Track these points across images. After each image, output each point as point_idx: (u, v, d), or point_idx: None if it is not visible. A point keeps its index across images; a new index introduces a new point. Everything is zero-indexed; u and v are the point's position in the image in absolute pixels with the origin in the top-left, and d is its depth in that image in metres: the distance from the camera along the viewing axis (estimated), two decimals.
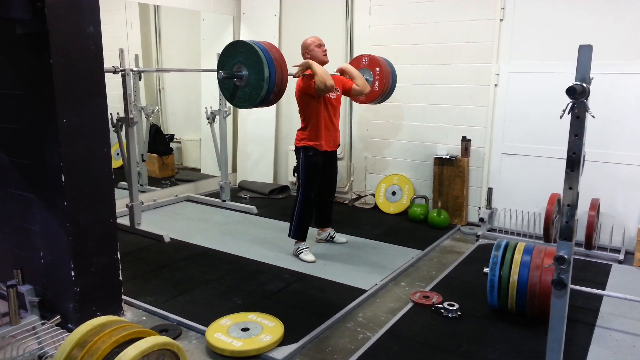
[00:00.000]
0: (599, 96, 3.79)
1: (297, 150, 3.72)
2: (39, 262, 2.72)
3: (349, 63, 4.13)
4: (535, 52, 4.18)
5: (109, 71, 3.73)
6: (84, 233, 2.60)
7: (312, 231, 4.01)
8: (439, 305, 2.96)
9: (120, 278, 2.85)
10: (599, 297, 3.09)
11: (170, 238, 4.14)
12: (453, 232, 4.47)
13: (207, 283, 3.31)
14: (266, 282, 3.34)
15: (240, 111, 5.99)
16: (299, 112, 3.70)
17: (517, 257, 2.79)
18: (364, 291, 3.20)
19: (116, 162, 5.37)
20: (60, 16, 2.38)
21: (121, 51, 4.05)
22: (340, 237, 4.14)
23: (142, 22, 6.05)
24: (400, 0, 4.77)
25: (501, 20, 4.29)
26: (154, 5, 5.95)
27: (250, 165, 6.04)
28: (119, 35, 5.73)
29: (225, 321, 2.72)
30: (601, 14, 3.86)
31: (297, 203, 3.72)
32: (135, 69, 4.53)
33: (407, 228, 4.56)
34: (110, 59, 3.61)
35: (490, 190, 4.42)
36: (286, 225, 3.87)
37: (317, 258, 3.72)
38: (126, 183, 4.27)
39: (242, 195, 5.57)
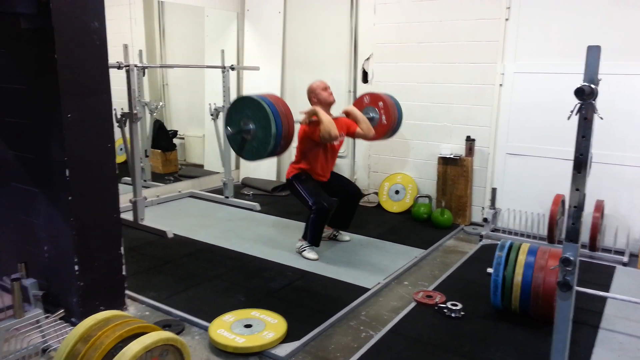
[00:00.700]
0: (604, 97, 3.75)
1: (290, 182, 3.73)
2: (43, 256, 2.72)
3: (355, 102, 4.12)
4: (541, 51, 4.17)
5: (113, 67, 3.74)
6: (88, 228, 2.60)
7: None
8: (442, 305, 2.96)
9: (124, 273, 2.85)
10: (603, 299, 3.08)
11: (174, 234, 4.15)
12: (456, 232, 4.46)
13: (210, 279, 3.31)
14: (269, 279, 3.34)
15: None
16: (297, 148, 3.71)
17: (522, 258, 2.78)
18: (367, 290, 3.20)
19: (120, 158, 5.35)
20: (65, 11, 2.38)
21: (125, 47, 4.05)
22: (343, 236, 4.14)
23: (146, 18, 6.05)
24: None
25: (507, 19, 4.28)
26: (158, 1, 5.96)
27: (253, 163, 6.04)
28: (123, 31, 5.73)
29: (228, 317, 2.72)
30: (607, 14, 3.84)
31: (312, 215, 3.61)
32: (139, 64, 4.53)
33: (411, 227, 4.55)
34: (114, 55, 3.60)
35: (494, 191, 4.41)
36: (289, 222, 3.87)
37: (320, 256, 3.71)
38: (130, 178, 4.27)
39: (246, 192, 5.57)
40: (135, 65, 4.10)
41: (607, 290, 3.24)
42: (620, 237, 3.95)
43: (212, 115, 5.06)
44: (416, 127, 4.89)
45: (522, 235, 4.25)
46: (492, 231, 4.34)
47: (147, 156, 5.60)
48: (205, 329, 2.66)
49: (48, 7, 2.32)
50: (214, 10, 5.87)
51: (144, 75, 5.40)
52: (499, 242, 2.96)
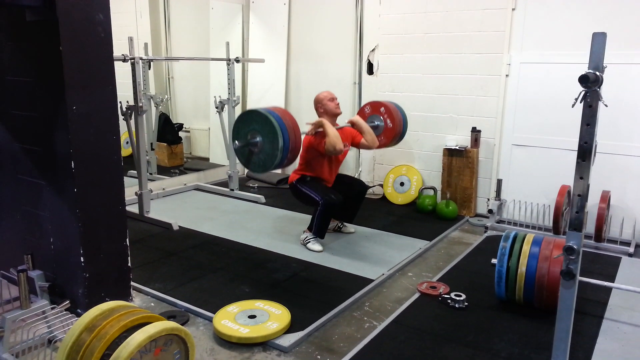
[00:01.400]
0: (611, 87, 3.73)
1: (294, 186, 3.73)
2: (49, 247, 2.75)
3: (358, 114, 4.09)
4: (547, 41, 4.13)
5: (118, 59, 3.74)
6: (94, 219, 2.62)
7: None
8: (445, 296, 2.96)
9: (129, 264, 2.87)
10: (608, 290, 3.07)
11: (179, 226, 4.17)
12: (461, 224, 4.45)
13: (215, 271, 3.33)
14: (274, 270, 3.35)
15: (249, 100, 5.99)
16: (301, 156, 3.66)
17: (526, 248, 2.78)
18: (371, 281, 3.20)
19: (126, 151, 5.41)
20: (70, 3, 2.38)
21: (130, 39, 4.06)
22: (348, 227, 4.14)
23: (152, 10, 6.06)
24: None
25: (513, 9, 4.24)
26: None
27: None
28: (128, 24, 5.75)
29: (233, 308, 2.74)
30: (614, 2, 3.79)
31: (319, 208, 3.61)
32: (144, 57, 4.54)
33: (415, 219, 4.55)
34: (119, 48, 3.61)
35: (499, 182, 4.39)
36: (294, 214, 3.87)
37: (324, 247, 3.72)
38: (135, 171, 4.29)
39: (250, 185, 5.58)
40: (141, 58, 4.11)
41: (612, 281, 3.22)
42: (627, 227, 3.93)
43: (217, 108, 5.07)
44: (421, 119, 4.87)
45: (527, 226, 4.23)
46: (498, 222, 4.33)
47: (152, 149, 5.62)
48: (210, 319, 2.68)
49: None
50: (219, 3, 5.86)
51: (149, 68, 5.42)
52: (503, 233, 2.95)
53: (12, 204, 2.94)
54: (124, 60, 3.94)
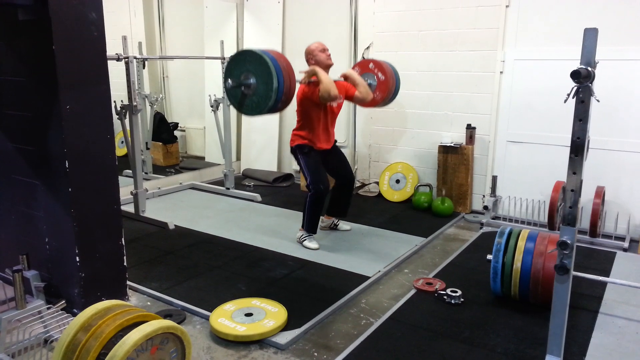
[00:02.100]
0: (606, 83, 3.75)
1: (293, 151, 3.74)
2: (44, 247, 2.74)
3: (353, 67, 4.10)
4: (541, 38, 4.14)
5: (112, 58, 3.73)
6: (89, 219, 2.61)
7: None
8: (441, 292, 2.97)
9: (125, 264, 2.87)
10: (603, 284, 3.09)
11: (175, 225, 4.16)
12: (457, 220, 4.46)
13: (211, 269, 3.33)
14: (270, 268, 3.35)
15: None
16: (297, 113, 3.70)
17: (521, 244, 2.79)
18: (367, 278, 3.21)
19: (120, 150, 5.39)
20: (62, 2, 2.37)
21: (124, 38, 4.04)
22: (344, 225, 4.15)
23: (146, 9, 6.04)
24: None
25: (507, 6, 4.25)
26: None
27: (254, 153, 6.05)
28: (122, 23, 5.73)
29: (229, 306, 2.74)
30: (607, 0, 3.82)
31: (309, 198, 3.68)
32: (138, 56, 4.53)
33: (411, 216, 4.56)
34: (113, 47, 3.60)
35: (494, 178, 4.40)
36: (290, 212, 3.88)
37: (320, 245, 3.72)
38: (131, 171, 4.28)
39: (246, 183, 5.58)
40: (135, 57, 4.09)
41: (607, 276, 3.24)
42: (621, 223, 3.95)
43: (212, 106, 5.06)
44: (417, 116, 4.87)
45: (522, 222, 4.25)
46: (493, 219, 4.35)
47: (148, 148, 5.61)
48: (207, 318, 2.68)
49: None
50: (213, 1, 5.85)
51: (144, 67, 5.40)
52: (498, 229, 2.96)
53: (7, 205, 2.93)
54: (118, 60, 3.93)
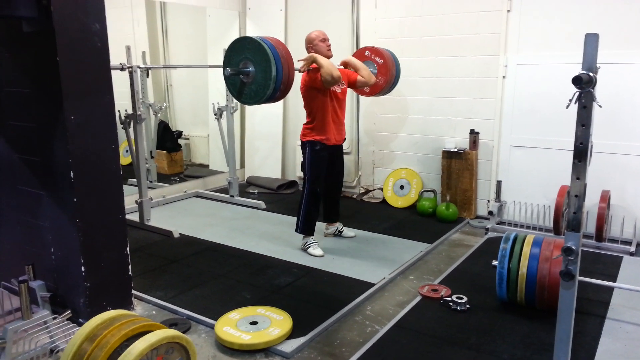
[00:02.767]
0: (609, 87, 3.74)
1: (303, 145, 3.72)
2: (49, 257, 2.75)
3: (355, 54, 4.12)
4: (543, 42, 4.14)
5: (116, 68, 3.76)
6: (94, 229, 2.62)
7: (321, 225, 4.02)
8: (447, 299, 2.96)
9: (130, 273, 2.87)
10: (610, 290, 3.07)
11: (180, 233, 4.17)
12: (462, 226, 4.45)
13: (216, 278, 3.33)
14: (275, 276, 3.35)
15: (248, 107, 6.00)
16: (305, 107, 3.70)
17: (526, 249, 2.78)
18: (372, 285, 3.20)
19: (125, 159, 5.41)
20: (66, 14, 2.39)
21: (128, 48, 4.07)
22: (348, 232, 4.14)
23: (149, 19, 6.07)
24: None
25: (508, 11, 4.25)
26: (160, 2, 5.98)
27: (258, 161, 6.06)
28: (126, 33, 5.76)
29: (234, 315, 2.74)
30: (610, 3, 3.81)
31: (304, 198, 3.73)
32: (142, 66, 4.56)
33: (416, 222, 4.55)
34: (117, 56, 3.63)
35: (499, 183, 4.39)
36: (294, 220, 3.87)
37: (325, 252, 3.72)
38: (135, 180, 4.30)
39: (250, 191, 5.58)
40: (139, 67, 4.12)
41: (614, 281, 3.21)
42: (627, 227, 3.92)
43: (215, 115, 5.08)
44: (420, 122, 4.88)
45: (528, 227, 4.23)
46: (498, 224, 4.33)
47: (152, 157, 5.63)
48: (212, 326, 2.68)
49: (49, 10, 2.34)
50: (215, 10, 5.88)
51: (147, 76, 5.43)
52: (504, 235, 2.95)
53: (12, 215, 2.95)
54: (122, 69, 3.95)
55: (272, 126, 5.88)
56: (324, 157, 3.68)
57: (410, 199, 4.93)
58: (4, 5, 2.33)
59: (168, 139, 6.06)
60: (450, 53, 4.60)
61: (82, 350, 1.91)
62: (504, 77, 4.36)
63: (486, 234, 4.22)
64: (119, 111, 3.62)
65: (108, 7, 2.59)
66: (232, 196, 5.21)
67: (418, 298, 3.03)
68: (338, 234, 4.11)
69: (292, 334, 2.59)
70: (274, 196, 5.44)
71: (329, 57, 3.60)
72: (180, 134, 6.35)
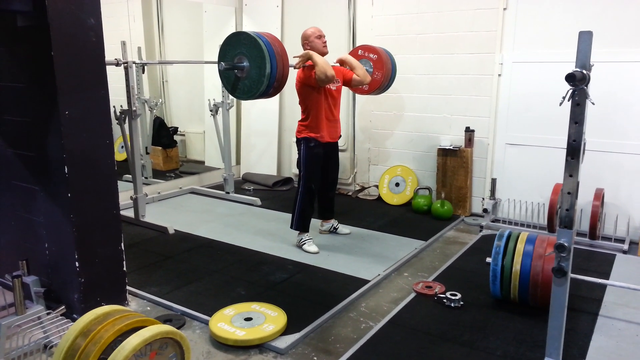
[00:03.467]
0: (604, 85, 3.76)
1: (299, 141, 3.72)
2: (43, 253, 2.75)
3: (349, 54, 4.12)
4: (539, 41, 4.15)
5: (111, 64, 3.74)
6: (88, 224, 2.62)
7: (316, 222, 4.03)
8: (441, 295, 2.97)
9: (125, 269, 2.87)
10: (603, 287, 3.09)
11: (175, 230, 4.17)
12: (457, 223, 4.46)
13: (211, 274, 3.33)
14: (269, 272, 3.36)
15: (244, 103, 6.00)
16: (300, 104, 3.70)
17: (520, 246, 2.79)
18: (367, 281, 3.21)
19: (120, 155, 5.40)
20: (61, 8, 2.38)
21: (123, 44, 4.05)
22: (343, 228, 4.15)
23: (145, 14, 6.05)
24: None
25: (504, 9, 4.26)
26: None
27: (254, 158, 6.05)
28: (121, 28, 5.74)
29: (229, 311, 2.74)
30: (605, 1, 3.82)
31: (299, 195, 3.73)
32: (137, 61, 4.54)
33: (411, 219, 4.56)
34: (113, 52, 3.61)
35: (494, 181, 4.40)
36: (289, 216, 3.87)
37: (320, 249, 3.72)
38: (130, 176, 4.29)
39: (246, 187, 5.58)
40: (134, 62, 4.10)
41: (607, 278, 3.23)
42: (621, 225, 3.95)
43: (211, 111, 5.07)
44: (415, 119, 4.88)
45: (522, 225, 4.25)
46: (493, 222, 4.35)
47: (147, 153, 5.62)
48: (206, 322, 2.68)
49: (44, 4, 2.33)
50: (212, 6, 5.87)
51: (143, 72, 5.41)
52: (497, 232, 2.96)
53: (6, 210, 2.93)
54: (117, 65, 3.94)
55: (268, 123, 5.88)
56: (318, 154, 3.68)
57: (405, 196, 4.94)
58: None
59: (163, 135, 6.04)
60: (446, 51, 4.60)
61: (75, 345, 1.91)
62: (499, 75, 4.37)
63: (481, 231, 4.23)
64: (114, 107, 3.61)
65: (103, 2, 2.58)
66: (228, 193, 5.21)
67: (412, 295, 3.04)
68: (333, 231, 4.12)
69: (287, 330, 2.59)
70: (270, 193, 5.44)
71: (324, 54, 3.60)
72: (175, 130, 6.33)
